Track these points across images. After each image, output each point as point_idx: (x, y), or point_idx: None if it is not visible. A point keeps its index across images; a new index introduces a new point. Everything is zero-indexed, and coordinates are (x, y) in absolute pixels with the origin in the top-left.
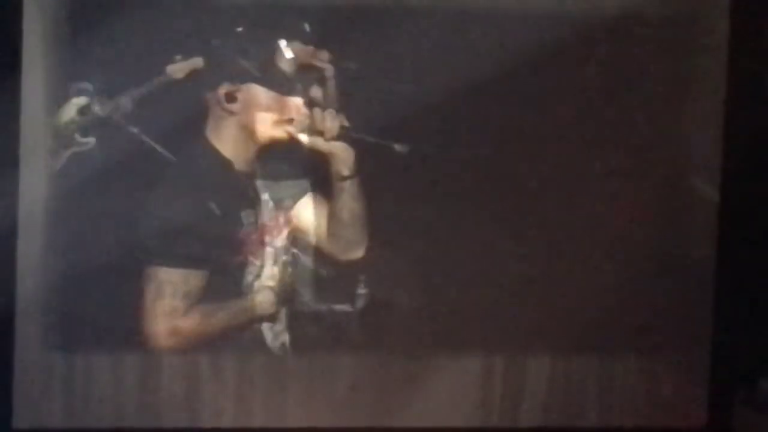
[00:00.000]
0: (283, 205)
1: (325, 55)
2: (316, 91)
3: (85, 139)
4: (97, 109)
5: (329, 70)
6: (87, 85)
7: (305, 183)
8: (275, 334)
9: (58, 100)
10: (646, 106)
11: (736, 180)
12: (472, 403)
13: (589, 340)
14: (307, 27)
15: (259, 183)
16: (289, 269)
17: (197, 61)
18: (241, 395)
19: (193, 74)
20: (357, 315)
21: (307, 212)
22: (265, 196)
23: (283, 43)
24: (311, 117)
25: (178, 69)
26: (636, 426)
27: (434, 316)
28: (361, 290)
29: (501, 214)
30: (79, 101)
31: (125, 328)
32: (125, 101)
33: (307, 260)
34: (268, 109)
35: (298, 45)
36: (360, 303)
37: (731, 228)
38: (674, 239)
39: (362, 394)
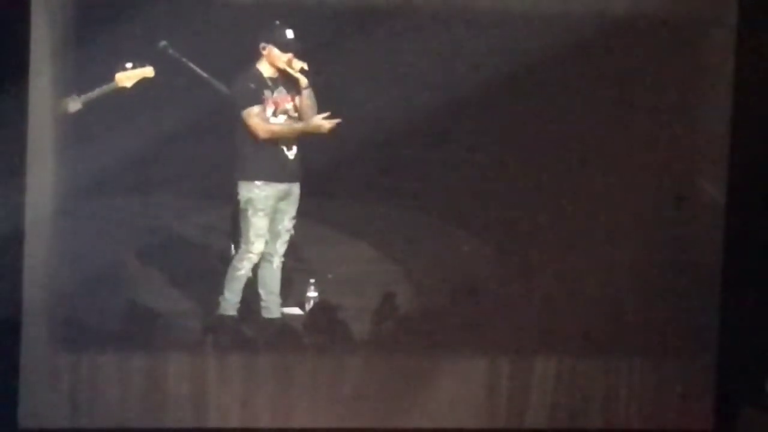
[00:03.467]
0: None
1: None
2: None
3: None
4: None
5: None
6: None
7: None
8: None
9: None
10: (652, 110)
11: (742, 184)
12: (478, 404)
13: (595, 343)
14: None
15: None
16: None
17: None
18: (246, 396)
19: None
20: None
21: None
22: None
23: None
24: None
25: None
26: (642, 428)
27: (442, 319)
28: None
29: (506, 217)
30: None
31: (130, 330)
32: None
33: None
34: None
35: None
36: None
37: (737, 232)
38: (680, 243)
39: (368, 395)
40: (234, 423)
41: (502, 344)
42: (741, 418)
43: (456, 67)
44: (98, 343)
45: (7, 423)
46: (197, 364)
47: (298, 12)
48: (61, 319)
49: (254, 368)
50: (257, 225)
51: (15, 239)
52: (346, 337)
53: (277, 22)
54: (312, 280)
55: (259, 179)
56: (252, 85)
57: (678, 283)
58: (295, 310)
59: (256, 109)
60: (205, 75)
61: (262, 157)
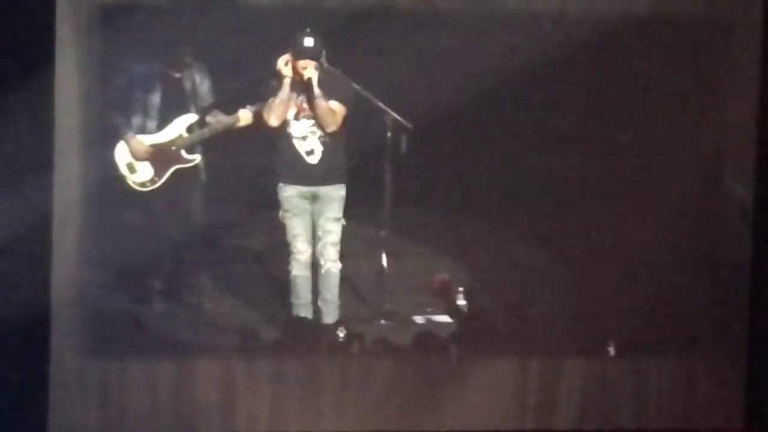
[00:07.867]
0: None
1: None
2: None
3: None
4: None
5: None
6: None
7: None
8: None
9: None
10: (679, 109)
11: None
12: (507, 406)
13: (625, 343)
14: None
15: None
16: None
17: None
18: (275, 402)
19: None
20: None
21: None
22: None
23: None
24: None
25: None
26: (672, 429)
27: (472, 321)
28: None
29: (536, 218)
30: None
31: (160, 336)
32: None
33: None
34: None
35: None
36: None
37: (766, 228)
38: (709, 242)
39: (398, 398)
40: (264, 429)
41: (531, 345)
42: None
43: (483, 66)
44: (127, 351)
45: (37, 431)
46: (228, 370)
47: (322, 14)
48: (90, 327)
49: (284, 374)
50: (290, 225)
51: (43, 245)
52: (497, 342)
53: (303, 31)
54: (461, 289)
55: (281, 181)
56: (275, 83)
57: (707, 283)
58: (445, 318)
59: (278, 100)
60: None
61: (282, 162)
